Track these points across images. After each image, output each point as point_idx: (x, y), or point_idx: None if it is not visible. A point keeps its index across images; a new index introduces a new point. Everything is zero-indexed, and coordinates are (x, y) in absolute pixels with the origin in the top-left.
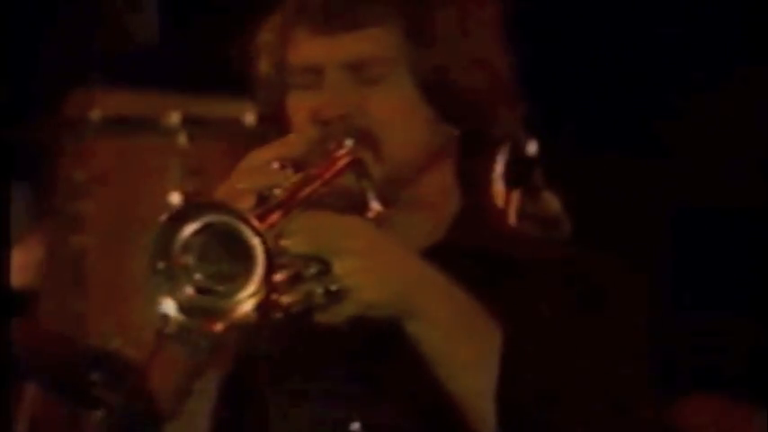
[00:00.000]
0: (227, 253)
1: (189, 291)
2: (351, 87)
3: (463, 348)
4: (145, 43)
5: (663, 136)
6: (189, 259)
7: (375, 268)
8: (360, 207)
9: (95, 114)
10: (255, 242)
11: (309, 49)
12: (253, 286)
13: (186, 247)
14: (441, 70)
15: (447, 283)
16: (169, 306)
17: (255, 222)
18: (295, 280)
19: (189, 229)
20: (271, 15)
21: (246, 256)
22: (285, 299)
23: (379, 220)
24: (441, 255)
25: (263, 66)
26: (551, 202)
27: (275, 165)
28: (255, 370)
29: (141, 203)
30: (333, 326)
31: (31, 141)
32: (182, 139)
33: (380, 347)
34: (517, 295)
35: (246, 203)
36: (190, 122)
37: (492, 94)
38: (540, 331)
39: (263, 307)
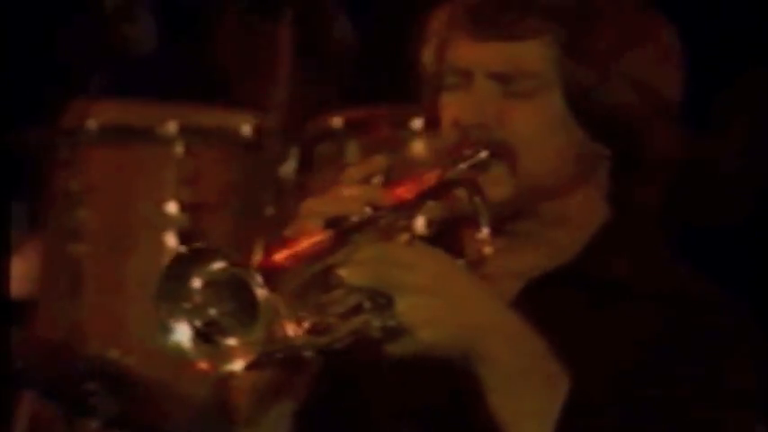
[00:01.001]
0: (237, 297)
1: (198, 325)
2: (497, 97)
3: (525, 396)
4: (142, 53)
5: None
6: (201, 297)
7: (436, 307)
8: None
9: (92, 124)
10: (261, 297)
11: (463, 51)
12: (251, 338)
13: (204, 284)
14: (595, 88)
15: (518, 325)
16: (184, 333)
17: (259, 278)
18: (353, 312)
19: (205, 272)
20: (439, 8)
21: (252, 305)
22: (338, 330)
23: (483, 250)
24: (565, 276)
25: (426, 56)
26: None
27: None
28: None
29: (138, 213)
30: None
31: (28, 151)
32: (178, 148)
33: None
34: (615, 337)
35: (312, 226)
36: (186, 132)
37: (648, 115)
38: (617, 385)
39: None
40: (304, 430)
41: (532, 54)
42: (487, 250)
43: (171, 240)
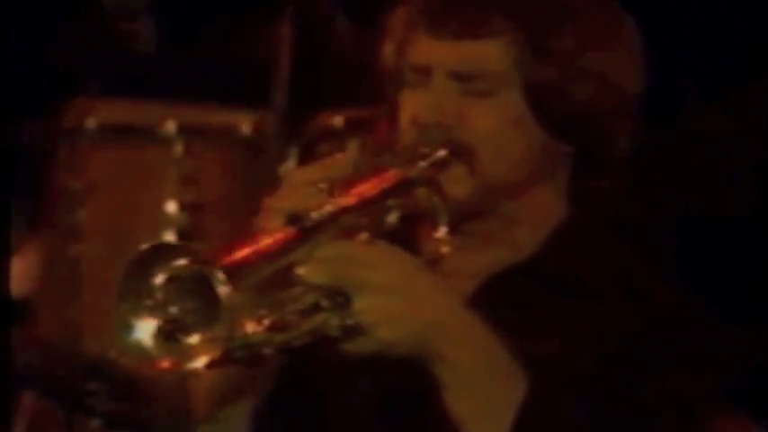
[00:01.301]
0: (199, 294)
1: (159, 323)
2: (455, 97)
3: (482, 395)
4: (142, 52)
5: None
6: (163, 294)
7: (394, 306)
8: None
9: (92, 123)
10: (223, 294)
11: (423, 49)
12: (213, 334)
13: (165, 281)
14: (556, 86)
15: (475, 325)
16: (146, 331)
17: (222, 275)
18: (312, 310)
19: (165, 267)
20: (399, 6)
21: (214, 302)
22: (297, 327)
23: (441, 249)
24: (523, 273)
25: (387, 52)
26: None
27: (320, 186)
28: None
29: (138, 212)
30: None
31: (28, 150)
32: (178, 148)
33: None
34: (572, 332)
35: (273, 224)
36: (186, 131)
37: (610, 112)
38: (576, 382)
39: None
40: (263, 427)
41: (492, 53)
42: (444, 249)
43: (171, 240)
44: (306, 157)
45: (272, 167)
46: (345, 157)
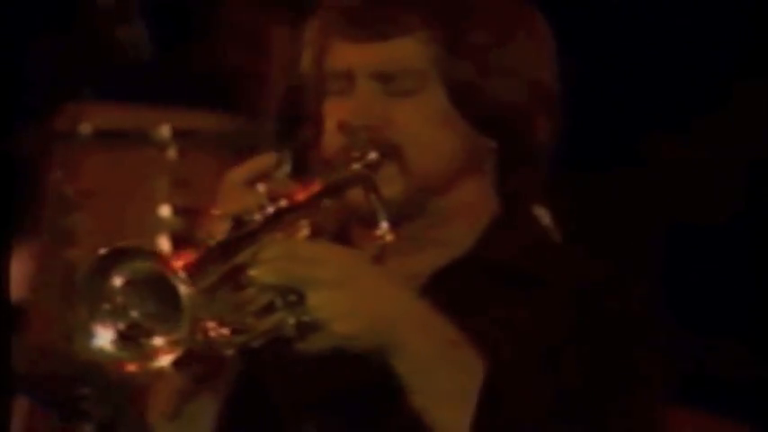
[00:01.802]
0: (158, 298)
1: (120, 327)
2: (380, 98)
3: (441, 381)
4: (135, 57)
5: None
6: (122, 298)
7: (347, 300)
8: (371, 224)
9: (85, 128)
10: (183, 293)
11: (342, 54)
12: (175, 336)
13: (124, 285)
14: (475, 82)
15: (428, 313)
16: (106, 337)
17: (181, 273)
18: (267, 310)
19: (125, 270)
20: (312, 16)
21: (174, 305)
22: (255, 328)
23: (385, 240)
24: (464, 267)
25: (305, 64)
26: (542, 215)
27: (259, 186)
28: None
29: (131, 216)
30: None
31: (22, 155)
32: (171, 152)
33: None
34: (525, 318)
35: (220, 229)
36: (180, 136)
37: (531, 106)
38: (532, 362)
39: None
40: (222, 426)
41: (409, 51)
42: (389, 238)
43: (164, 244)
44: (300, 161)
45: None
46: (272, 156)
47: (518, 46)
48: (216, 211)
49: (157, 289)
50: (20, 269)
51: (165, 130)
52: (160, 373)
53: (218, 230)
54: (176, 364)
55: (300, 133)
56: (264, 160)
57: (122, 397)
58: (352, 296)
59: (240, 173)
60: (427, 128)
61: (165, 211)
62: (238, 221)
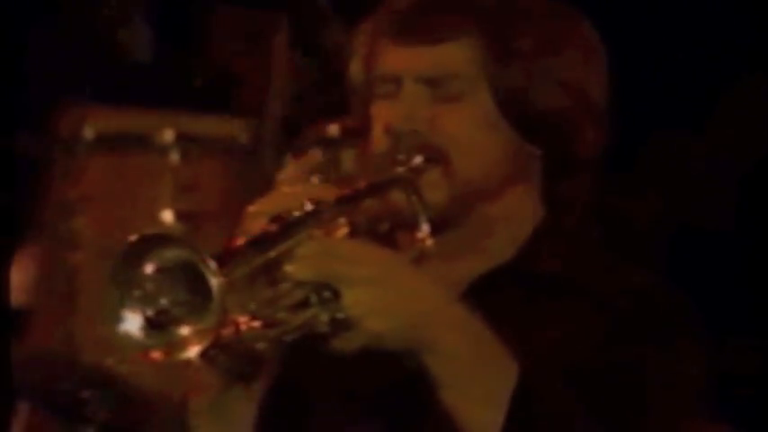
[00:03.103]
0: (189, 287)
1: (149, 314)
2: (427, 102)
3: (474, 380)
4: (137, 60)
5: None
6: (153, 285)
7: (382, 298)
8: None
9: (88, 132)
10: (214, 283)
11: (390, 58)
12: (202, 326)
13: (156, 272)
14: (522, 88)
15: (464, 314)
16: (134, 323)
17: (213, 264)
18: (301, 305)
19: (157, 257)
20: (363, 20)
21: (204, 294)
22: (288, 323)
23: (425, 244)
24: (503, 277)
25: (354, 68)
26: None
27: (298, 186)
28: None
29: (134, 221)
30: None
31: (24, 158)
32: (175, 156)
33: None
34: (561, 328)
35: (256, 226)
36: (183, 140)
37: (577, 114)
38: (568, 370)
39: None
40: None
41: (457, 56)
42: (429, 242)
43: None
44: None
45: (268, 175)
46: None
47: (565, 54)
48: (252, 208)
49: (188, 278)
50: (22, 274)
51: (167, 135)
52: (186, 363)
53: (254, 227)
54: (210, 360)
55: (303, 138)
56: (311, 159)
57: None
58: (387, 294)
59: (287, 174)
60: (473, 133)
61: (167, 215)
62: (276, 218)
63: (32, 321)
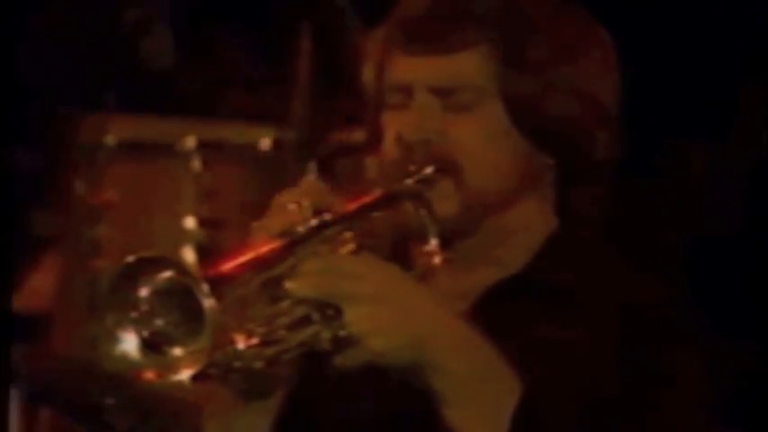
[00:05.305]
0: (183, 307)
1: (145, 335)
2: (438, 112)
3: (477, 402)
4: (160, 68)
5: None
6: (148, 306)
7: (385, 316)
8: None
9: (110, 139)
10: (206, 305)
11: (402, 68)
12: (196, 347)
13: (151, 293)
14: (534, 98)
15: (466, 333)
16: (130, 344)
17: (204, 285)
18: (302, 323)
19: (150, 279)
20: (375, 29)
21: (198, 316)
22: (287, 341)
23: (433, 259)
24: (515, 286)
25: (366, 76)
26: None
27: (304, 201)
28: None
29: (156, 228)
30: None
31: (47, 166)
32: (196, 163)
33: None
34: (573, 338)
35: (261, 241)
36: (204, 147)
37: (590, 122)
38: (573, 382)
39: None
40: None
41: (469, 66)
42: (437, 260)
43: (189, 255)
44: (326, 173)
45: (290, 182)
46: (318, 182)
47: (578, 63)
48: (257, 224)
49: (183, 298)
50: (45, 280)
51: (189, 141)
52: (181, 385)
53: (259, 244)
54: (221, 379)
55: (326, 145)
56: (313, 185)
57: (146, 408)
58: (390, 312)
59: (291, 194)
60: (485, 143)
61: (189, 222)
62: (280, 234)
63: (54, 327)
